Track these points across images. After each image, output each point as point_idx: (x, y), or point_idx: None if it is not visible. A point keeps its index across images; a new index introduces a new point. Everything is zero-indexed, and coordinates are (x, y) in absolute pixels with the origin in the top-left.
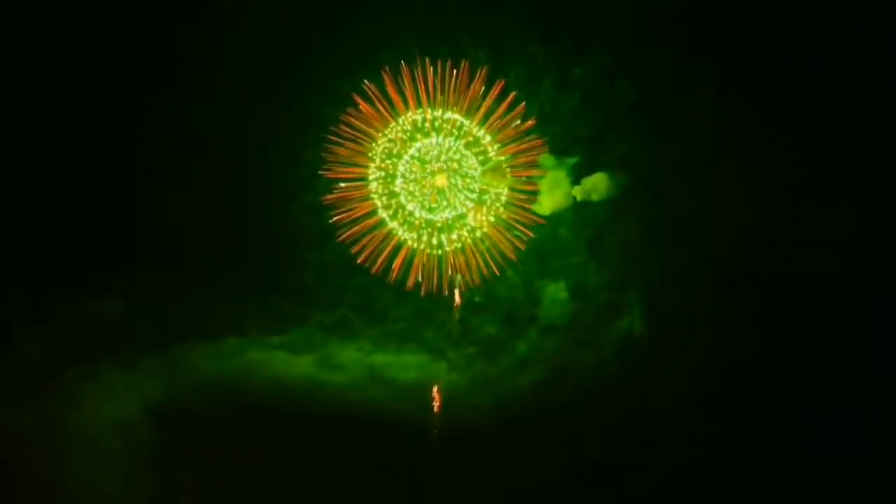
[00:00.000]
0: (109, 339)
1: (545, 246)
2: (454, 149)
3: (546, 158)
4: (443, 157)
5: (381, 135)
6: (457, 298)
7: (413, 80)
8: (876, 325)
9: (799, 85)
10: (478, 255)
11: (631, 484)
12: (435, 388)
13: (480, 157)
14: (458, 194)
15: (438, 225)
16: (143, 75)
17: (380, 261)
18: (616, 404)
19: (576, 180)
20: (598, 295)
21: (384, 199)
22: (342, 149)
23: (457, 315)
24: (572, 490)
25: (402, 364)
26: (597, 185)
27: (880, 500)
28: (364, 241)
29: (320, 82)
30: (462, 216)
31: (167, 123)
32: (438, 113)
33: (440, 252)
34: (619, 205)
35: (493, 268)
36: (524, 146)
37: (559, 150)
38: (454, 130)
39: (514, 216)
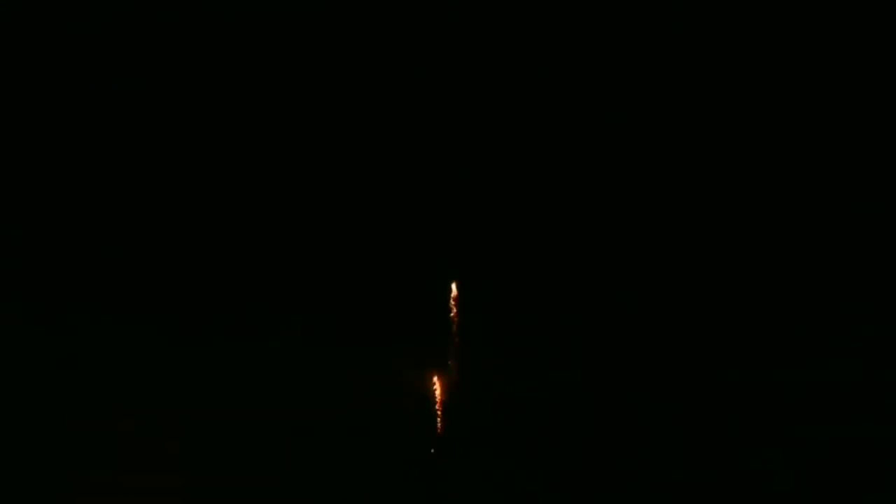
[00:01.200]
0: (108, 339)
1: None
2: None
3: None
4: None
5: None
6: (454, 291)
7: None
8: (876, 325)
9: (797, 83)
10: None
11: (631, 484)
12: (436, 388)
13: None
14: None
15: None
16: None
17: None
18: (616, 404)
19: None
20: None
21: None
22: None
23: (455, 314)
24: (573, 490)
25: (400, 363)
26: None
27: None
28: None
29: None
30: None
31: (167, 123)
32: None
33: None
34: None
35: None
36: None
37: None
38: None
39: None
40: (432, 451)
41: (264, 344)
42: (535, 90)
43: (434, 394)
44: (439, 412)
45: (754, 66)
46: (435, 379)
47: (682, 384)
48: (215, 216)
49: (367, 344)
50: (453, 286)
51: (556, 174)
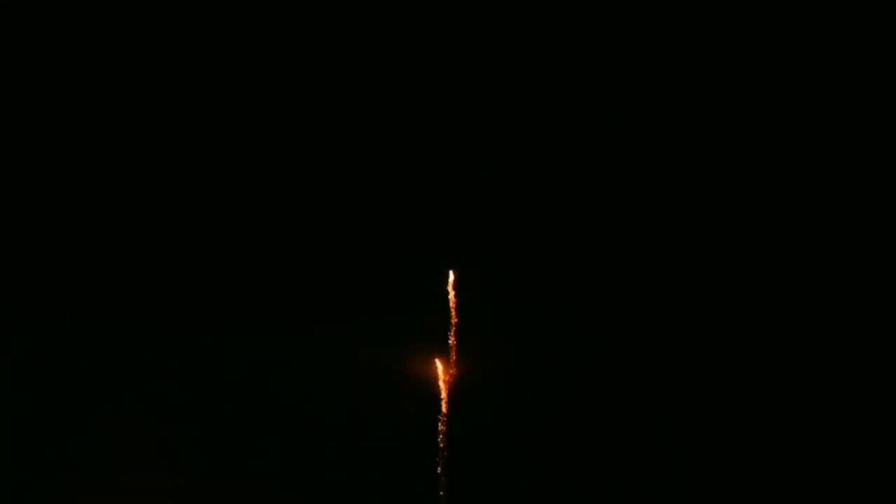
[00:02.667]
0: (110, 337)
1: None
2: None
3: None
4: None
5: None
6: (452, 299)
7: None
8: (873, 326)
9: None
10: None
11: (631, 484)
12: (441, 387)
13: None
14: None
15: None
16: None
17: None
18: (616, 404)
19: None
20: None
21: None
22: None
23: (454, 314)
24: (573, 490)
25: (401, 363)
26: None
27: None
28: None
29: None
30: None
31: (169, 123)
32: None
33: None
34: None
35: None
36: None
37: None
38: None
39: None
40: (440, 436)
41: (265, 342)
42: (534, 89)
43: (436, 382)
44: (443, 401)
45: (754, 66)
46: (436, 364)
47: (678, 384)
48: (216, 213)
49: (368, 334)
50: (451, 274)
51: (554, 169)
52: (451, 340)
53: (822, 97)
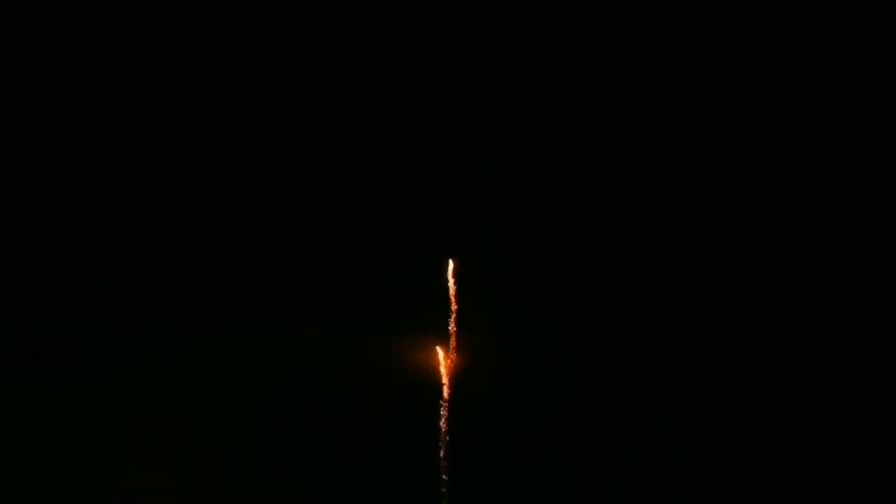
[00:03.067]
0: (112, 336)
1: None
2: None
3: None
4: None
5: None
6: (451, 287)
7: None
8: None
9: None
10: None
11: (631, 483)
12: (442, 373)
13: None
14: None
15: None
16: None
17: None
18: (615, 403)
19: None
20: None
21: None
22: None
23: (454, 309)
24: (573, 489)
25: (403, 350)
26: None
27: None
28: None
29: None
30: None
31: (169, 123)
32: None
33: None
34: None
35: None
36: None
37: None
38: None
39: None
40: (441, 421)
41: (265, 340)
42: (533, 90)
43: (437, 368)
44: (445, 387)
45: (754, 66)
46: (437, 351)
47: (676, 384)
48: (216, 213)
49: (371, 323)
50: (451, 263)
51: (554, 169)
52: (452, 328)
53: (822, 97)
